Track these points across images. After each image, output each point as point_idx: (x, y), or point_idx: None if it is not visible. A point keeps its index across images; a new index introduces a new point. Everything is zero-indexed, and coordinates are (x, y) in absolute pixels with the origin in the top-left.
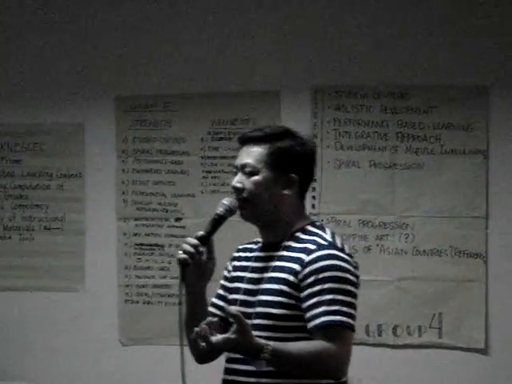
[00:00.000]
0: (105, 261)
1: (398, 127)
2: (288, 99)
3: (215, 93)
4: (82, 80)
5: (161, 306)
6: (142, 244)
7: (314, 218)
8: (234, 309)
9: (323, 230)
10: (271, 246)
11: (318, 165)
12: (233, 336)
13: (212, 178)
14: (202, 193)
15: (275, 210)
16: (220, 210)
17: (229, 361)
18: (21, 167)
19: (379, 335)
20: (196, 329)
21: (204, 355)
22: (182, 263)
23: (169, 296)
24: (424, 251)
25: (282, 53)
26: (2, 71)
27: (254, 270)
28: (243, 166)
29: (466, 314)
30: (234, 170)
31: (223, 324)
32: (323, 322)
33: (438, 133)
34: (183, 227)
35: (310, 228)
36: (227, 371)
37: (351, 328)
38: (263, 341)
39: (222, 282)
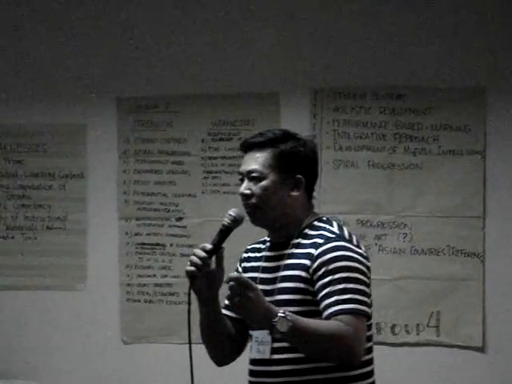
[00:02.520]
0: (106, 260)
1: (396, 128)
2: (287, 100)
3: (216, 94)
4: (84, 81)
5: (162, 305)
6: (143, 243)
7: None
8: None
9: (330, 223)
10: (280, 245)
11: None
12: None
13: (212, 178)
14: (203, 193)
15: (285, 213)
16: (226, 221)
17: (252, 362)
18: (23, 167)
19: (378, 333)
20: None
21: (224, 356)
22: (190, 275)
23: (170, 295)
24: (422, 250)
25: (282, 55)
26: (5, 72)
27: (265, 269)
28: (249, 173)
29: (464, 313)
30: (240, 177)
31: (238, 326)
32: (336, 310)
33: (436, 134)
34: (184, 227)
35: (316, 223)
36: (251, 373)
37: (365, 314)
38: (276, 308)
39: None
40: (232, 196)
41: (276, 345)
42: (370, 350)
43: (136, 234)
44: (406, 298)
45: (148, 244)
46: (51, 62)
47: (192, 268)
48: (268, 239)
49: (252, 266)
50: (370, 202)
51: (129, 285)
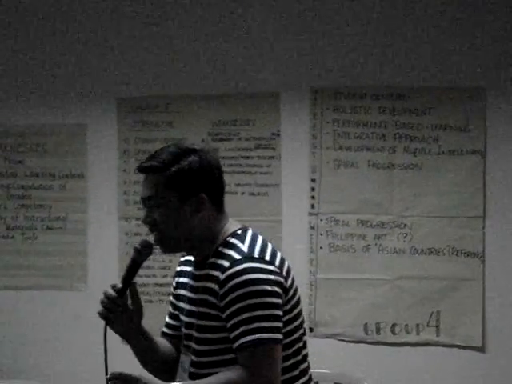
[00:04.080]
0: (107, 260)
1: (396, 128)
2: (287, 100)
3: (216, 94)
4: (85, 81)
5: (162, 305)
6: None
7: (236, 222)
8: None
9: (242, 239)
10: (200, 264)
11: (317, 165)
12: None
13: None
14: None
15: (194, 235)
16: (133, 254)
17: None
18: (23, 167)
19: (377, 333)
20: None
21: (169, 377)
22: (103, 318)
23: (170, 295)
24: (422, 250)
25: (282, 54)
26: (5, 72)
27: (191, 288)
28: (147, 199)
29: (464, 313)
30: (142, 205)
31: (176, 342)
32: (242, 343)
33: (436, 134)
34: None
35: (230, 240)
36: None
37: (274, 342)
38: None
39: (171, 298)
40: (232, 196)
41: (192, 370)
42: (296, 364)
43: (136, 234)
44: (405, 297)
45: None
46: (51, 62)
47: (104, 311)
48: None
49: (183, 283)
50: (370, 202)
51: None
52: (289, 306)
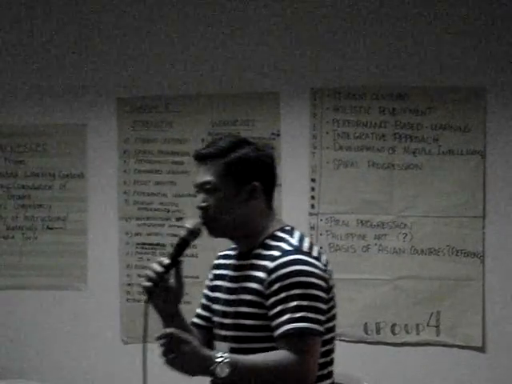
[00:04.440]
0: (107, 260)
1: (396, 128)
2: (287, 100)
3: (216, 94)
4: (85, 81)
5: None
6: (143, 243)
7: (284, 221)
8: (169, 330)
9: (291, 234)
10: (244, 255)
11: (317, 165)
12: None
13: None
14: None
15: (243, 222)
16: (183, 233)
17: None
18: (24, 167)
19: (377, 333)
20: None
21: None
22: (147, 291)
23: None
24: (422, 250)
25: (282, 54)
26: (5, 72)
27: (231, 279)
28: (203, 185)
29: (464, 313)
30: (196, 190)
31: (208, 334)
32: (287, 329)
33: (436, 134)
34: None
35: (278, 234)
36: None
37: (317, 333)
38: (212, 352)
39: (205, 291)
40: None
41: None
42: (326, 364)
43: (136, 234)
44: (405, 297)
45: (148, 244)
46: (51, 62)
47: (148, 284)
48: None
49: (221, 274)
50: (369, 202)
51: (129, 285)
52: (328, 306)
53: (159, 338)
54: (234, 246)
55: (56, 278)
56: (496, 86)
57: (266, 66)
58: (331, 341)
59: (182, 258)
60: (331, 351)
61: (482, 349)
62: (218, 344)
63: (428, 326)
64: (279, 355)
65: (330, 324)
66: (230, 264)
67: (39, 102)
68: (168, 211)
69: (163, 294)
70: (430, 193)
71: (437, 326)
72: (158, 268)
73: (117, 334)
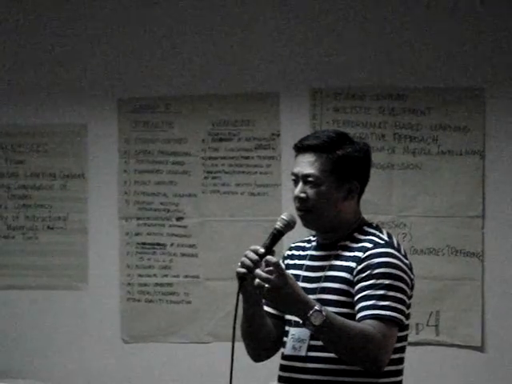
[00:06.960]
0: (107, 260)
1: (396, 128)
2: (287, 101)
3: (216, 94)
4: (85, 82)
5: (162, 304)
6: (143, 243)
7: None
8: None
9: (380, 230)
10: (327, 246)
11: None
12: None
13: (213, 178)
14: (203, 193)
15: (337, 218)
16: (279, 224)
17: (285, 358)
18: (24, 168)
19: None
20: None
21: (261, 353)
22: (241, 277)
23: (170, 294)
24: (421, 250)
25: (282, 55)
26: (6, 72)
27: (308, 268)
28: (306, 176)
29: (463, 312)
30: (294, 178)
31: (277, 322)
32: (371, 314)
33: (435, 134)
34: (185, 227)
35: (366, 228)
36: (283, 368)
37: (398, 324)
38: (313, 301)
39: None
40: (232, 196)
41: (312, 342)
42: (400, 361)
43: (136, 234)
44: None
45: (148, 244)
46: (51, 61)
47: (243, 270)
48: (313, 239)
49: (295, 264)
50: (369, 202)
51: (129, 284)
52: (409, 302)
53: (263, 258)
54: (306, 238)
55: (56, 278)
56: (495, 87)
57: (266, 66)
58: (405, 339)
59: (274, 249)
60: (404, 349)
61: (481, 348)
62: (292, 330)
63: (427, 325)
64: (366, 328)
65: (406, 322)
66: (306, 255)
67: (40, 102)
68: (168, 211)
69: (253, 282)
70: (430, 193)
71: (436, 326)
72: (254, 256)
73: (117, 334)
